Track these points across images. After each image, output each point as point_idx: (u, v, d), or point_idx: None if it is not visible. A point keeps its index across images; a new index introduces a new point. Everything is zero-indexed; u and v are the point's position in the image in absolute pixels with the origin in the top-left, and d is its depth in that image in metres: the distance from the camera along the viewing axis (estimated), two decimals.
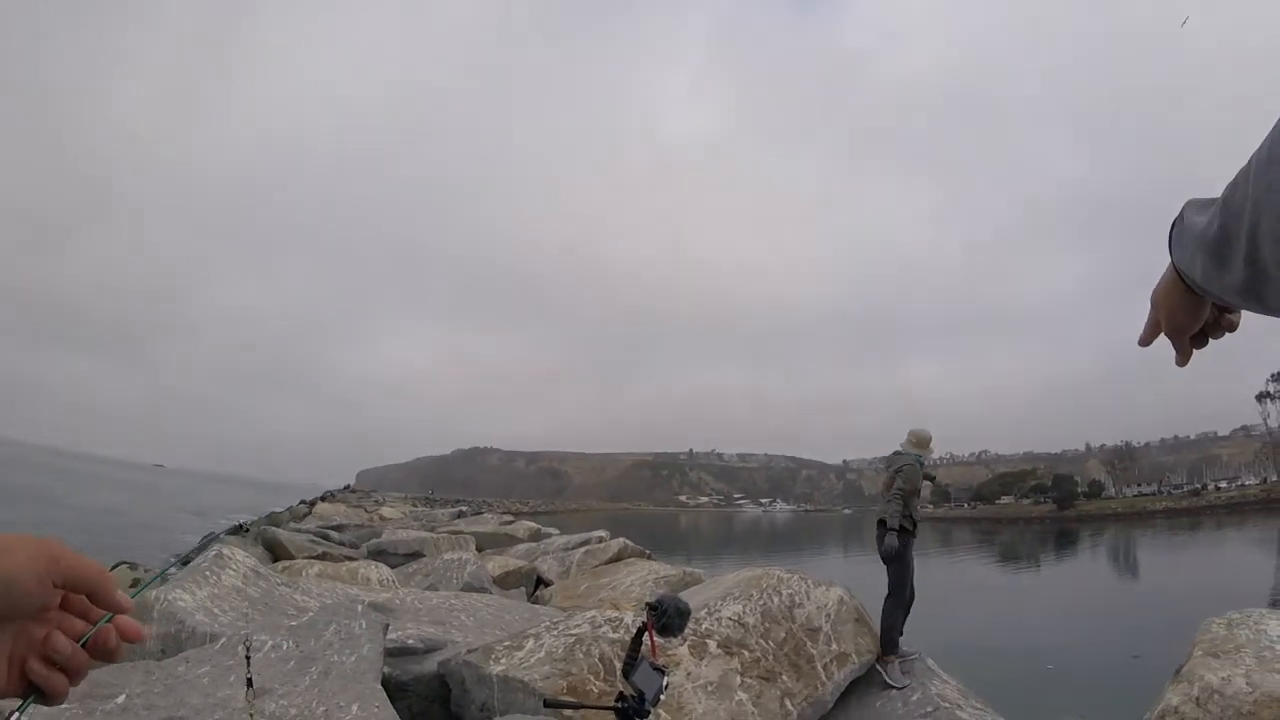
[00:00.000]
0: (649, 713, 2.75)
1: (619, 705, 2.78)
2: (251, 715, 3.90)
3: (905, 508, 7.03)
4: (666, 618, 2.87)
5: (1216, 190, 0.86)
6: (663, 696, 2.79)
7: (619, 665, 4.31)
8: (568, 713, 5.36)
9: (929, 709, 5.88)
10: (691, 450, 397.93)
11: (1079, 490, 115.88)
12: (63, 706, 4.20)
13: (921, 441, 7.36)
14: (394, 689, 6.05)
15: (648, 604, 2.92)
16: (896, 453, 7.41)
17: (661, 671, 2.81)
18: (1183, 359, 1.09)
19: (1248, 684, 4.93)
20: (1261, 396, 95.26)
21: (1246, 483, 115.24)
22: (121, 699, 4.82)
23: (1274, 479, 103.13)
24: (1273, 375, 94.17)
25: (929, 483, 7.72)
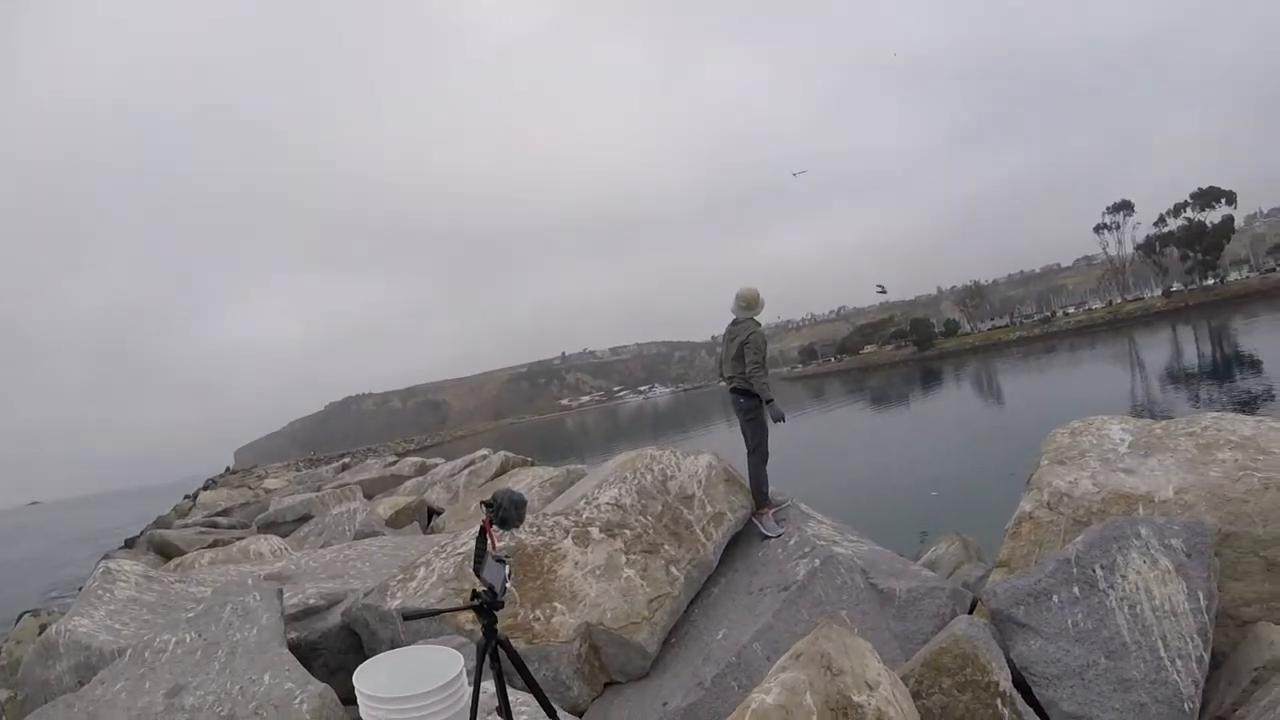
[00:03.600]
0: (502, 604, 2.91)
1: (475, 603, 2.93)
2: None
3: (768, 374, 7.17)
4: (503, 511, 3.02)
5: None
6: (509, 585, 2.95)
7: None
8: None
9: (806, 549, 6.15)
10: (564, 353, 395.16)
11: (936, 331, 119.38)
12: None
13: (750, 301, 7.34)
14: (306, 650, 6.15)
15: (482, 502, 3.05)
16: (735, 321, 7.38)
17: (502, 562, 2.96)
18: None
19: (1094, 484, 5.31)
20: (1099, 228, 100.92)
21: (1093, 306, 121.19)
22: None
23: (1119, 300, 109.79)
24: (1108, 208, 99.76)
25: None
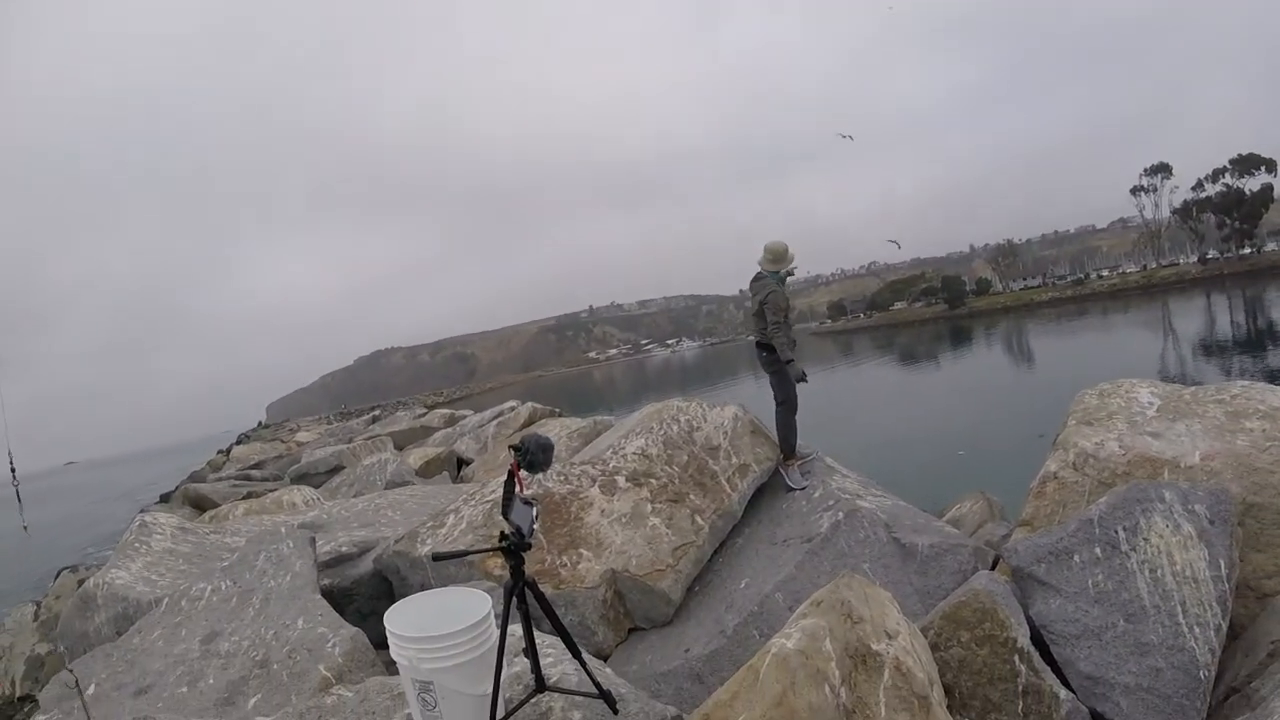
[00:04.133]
0: (529, 545, 2.97)
1: (503, 545, 3.00)
2: None
3: (789, 331, 7.15)
4: (530, 455, 3.07)
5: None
6: (535, 526, 3.01)
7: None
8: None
9: (830, 502, 6.19)
10: (591, 307, 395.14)
11: (968, 289, 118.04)
12: (42, 715, 4.33)
13: (778, 255, 7.24)
14: (339, 596, 6.29)
15: (510, 446, 3.11)
16: (758, 275, 7.32)
17: (530, 504, 3.02)
18: None
19: (1120, 447, 5.25)
20: (1136, 190, 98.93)
21: (1127, 270, 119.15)
22: (92, 689, 4.98)
23: (1153, 265, 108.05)
24: (1145, 170, 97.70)
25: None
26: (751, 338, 7.56)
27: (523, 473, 3.14)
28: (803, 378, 7.12)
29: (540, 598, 3.18)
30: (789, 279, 7.53)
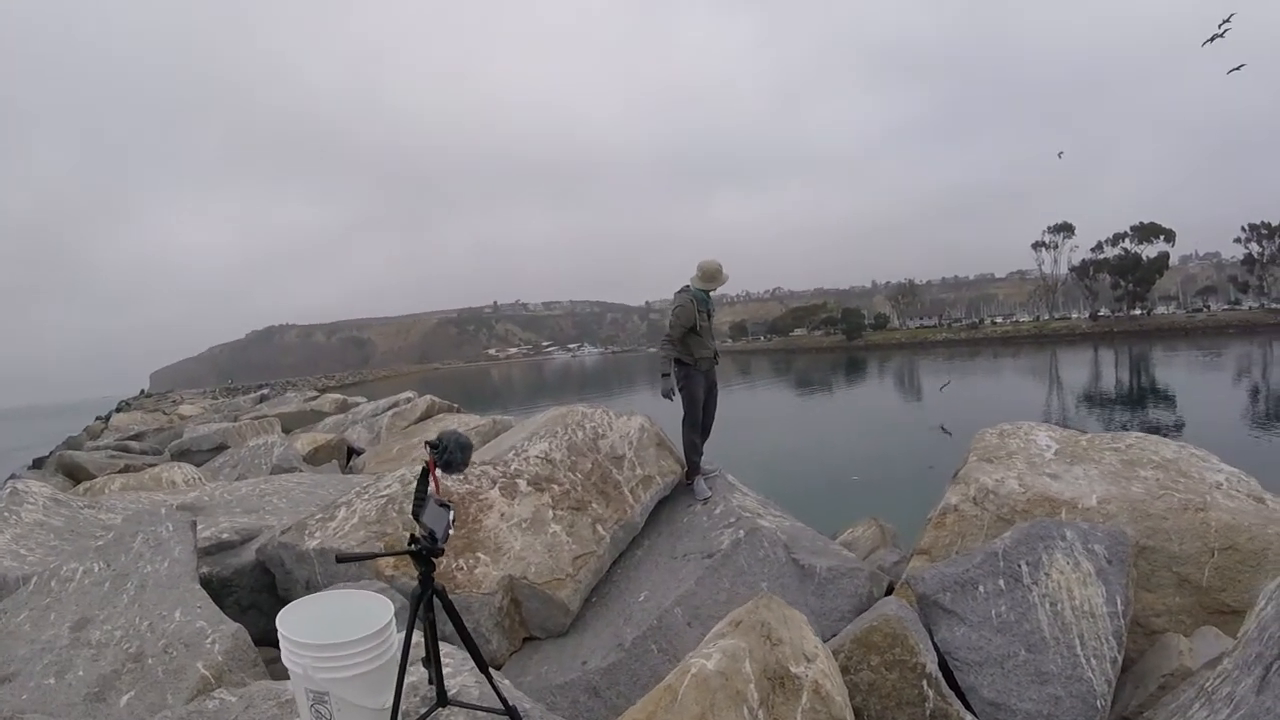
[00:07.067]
0: (442, 551, 2.79)
1: (413, 548, 2.81)
2: None
3: (682, 347, 7.02)
4: (448, 454, 2.90)
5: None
6: (450, 531, 2.83)
7: None
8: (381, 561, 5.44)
9: (732, 519, 6.20)
10: (496, 303, 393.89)
11: (866, 322, 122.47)
12: None
13: (708, 273, 7.09)
14: (218, 586, 5.95)
15: (427, 443, 2.93)
16: (682, 289, 7.17)
17: (446, 507, 2.85)
18: None
19: (1020, 485, 5.47)
20: (1038, 245, 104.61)
21: (1021, 319, 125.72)
22: None
23: (1046, 317, 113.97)
24: (1049, 227, 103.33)
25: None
26: (651, 349, 7.47)
27: (438, 472, 2.97)
28: (666, 395, 7.05)
29: (448, 605, 3.01)
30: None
